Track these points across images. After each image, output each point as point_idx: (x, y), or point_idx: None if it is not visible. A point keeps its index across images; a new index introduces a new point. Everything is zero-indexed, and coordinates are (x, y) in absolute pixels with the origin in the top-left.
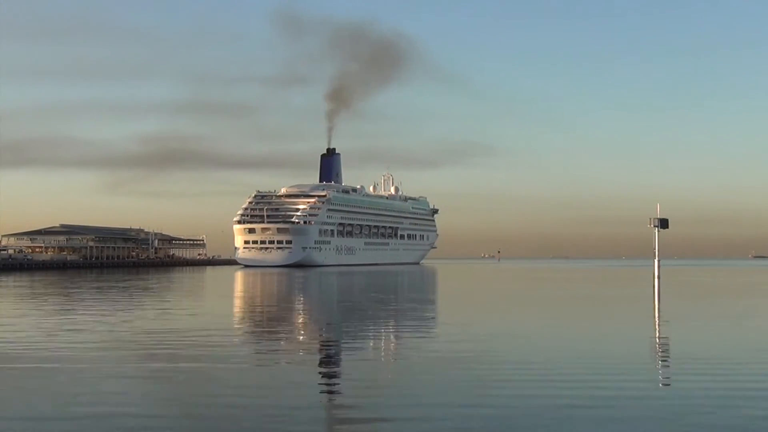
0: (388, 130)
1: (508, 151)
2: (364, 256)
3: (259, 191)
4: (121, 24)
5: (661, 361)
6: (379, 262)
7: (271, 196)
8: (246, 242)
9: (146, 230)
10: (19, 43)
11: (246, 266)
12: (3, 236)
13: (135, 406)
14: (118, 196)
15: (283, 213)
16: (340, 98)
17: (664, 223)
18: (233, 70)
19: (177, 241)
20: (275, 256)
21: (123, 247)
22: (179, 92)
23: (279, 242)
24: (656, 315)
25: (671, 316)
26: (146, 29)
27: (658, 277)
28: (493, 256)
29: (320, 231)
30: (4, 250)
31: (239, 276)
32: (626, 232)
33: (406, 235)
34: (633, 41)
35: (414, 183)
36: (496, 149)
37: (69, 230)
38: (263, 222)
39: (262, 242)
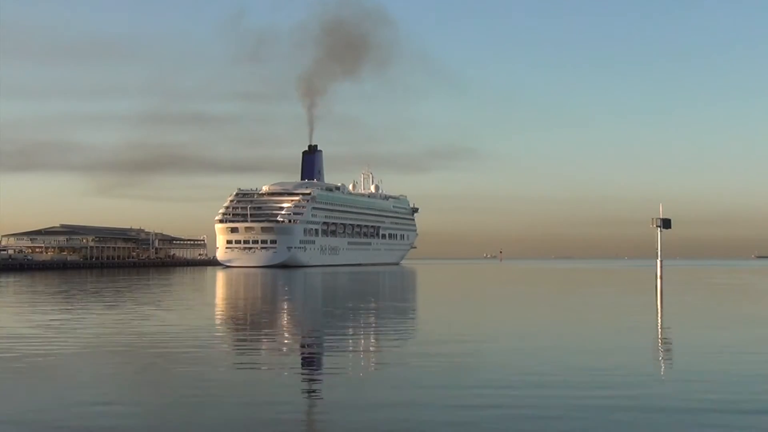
0: (371, 136)
1: (509, 152)
2: (347, 257)
3: (240, 189)
4: (115, 46)
5: (663, 373)
6: (361, 262)
7: (254, 194)
8: (228, 242)
9: (146, 230)
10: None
11: (228, 267)
12: (3, 236)
13: (113, 403)
14: (115, 199)
15: (266, 212)
16: (314, 91)
17: (666, 223)
18: (219, 86)
19: (177, 242)
20: (259, 256)
21: (123, 248)
22: (163, 106)
23: (263, 242)
24: (659, 318)
25: (675, 320)
26: (135, 52)
27: (662, 278)
28: (495, 257)
29: (305, 230)
30: (4, 250)
31: (230, 277)
32: (628, 233)
33: (387, 235)
34: (636, 41)
35: (406, 186)
36: (496, 151)
37: (69, 230)
38: (246, 221)
39: (246, 242)
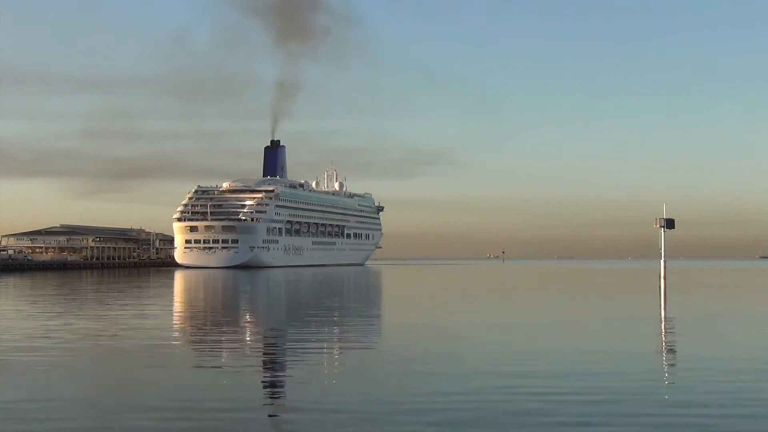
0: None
1: (511, 153)
2: (312, 257)
3: (200, 186)
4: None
5: (667, 384)
6: (326, 263)
7: (213, 191)
8: (187, 241)
9: (147, 231)
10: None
11: (187, 268)
12: (3, 236)
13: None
14: (112, 202)
15: (227, 209)
16: (286, 90)
17: (670, 224)
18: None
19: None
20: (220, 256)
21: (124, 248)
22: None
23: (224, 241)
24: (662, 320)
25: (678, 323)
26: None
27: (665, 278)
28: (498, 257)
29: (268, 229)
30: (4, 250)
31: (188, 279)
32: (632, 233)
33: (352, 234)
34: (637, 41)
35: (401, 187)
36: (497, 151)
37: (69, 230)
38: (206, 219)
39: (206, 242)
